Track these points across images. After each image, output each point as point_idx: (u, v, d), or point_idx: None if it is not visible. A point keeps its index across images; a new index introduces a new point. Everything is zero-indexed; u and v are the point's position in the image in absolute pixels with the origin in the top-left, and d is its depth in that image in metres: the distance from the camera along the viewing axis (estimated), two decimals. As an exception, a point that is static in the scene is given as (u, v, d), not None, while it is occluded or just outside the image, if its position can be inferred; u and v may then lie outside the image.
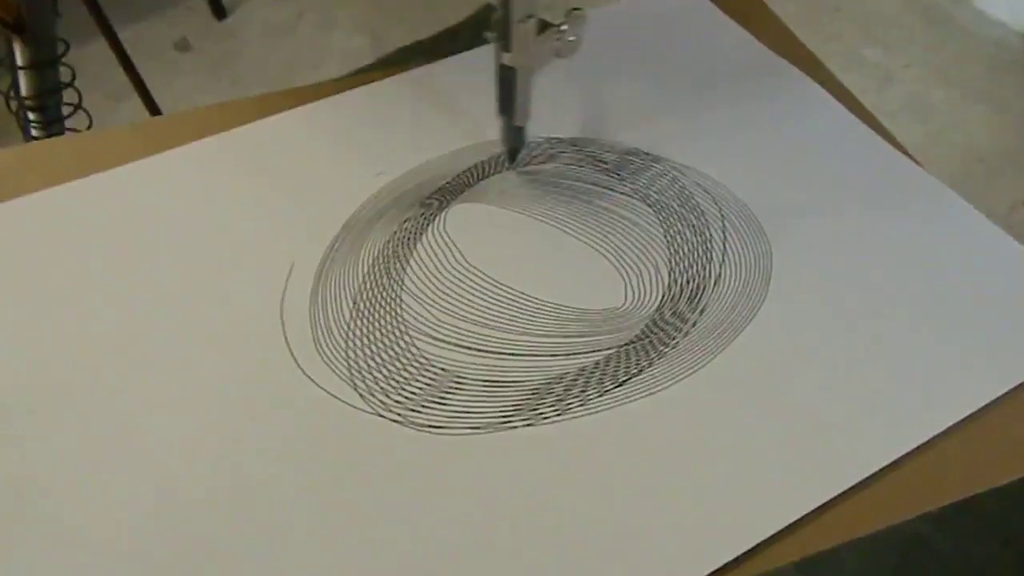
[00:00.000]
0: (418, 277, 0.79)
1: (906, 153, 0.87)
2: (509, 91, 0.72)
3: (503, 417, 0.69)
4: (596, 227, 0.82)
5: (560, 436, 0.68)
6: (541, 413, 0.69)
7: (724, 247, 0.80)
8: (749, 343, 0.73)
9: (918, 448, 0.65)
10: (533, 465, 0.66)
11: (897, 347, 0.71)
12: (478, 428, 0.69)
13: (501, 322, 0.76)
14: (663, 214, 0.83)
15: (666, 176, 0.86)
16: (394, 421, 0.69)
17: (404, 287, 0.78)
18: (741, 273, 0.78)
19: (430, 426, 0.69)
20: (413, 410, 0.70)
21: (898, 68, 2.37)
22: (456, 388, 0.71)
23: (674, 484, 0.64)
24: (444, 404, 0.70)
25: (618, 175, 0.86)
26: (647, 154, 0.87)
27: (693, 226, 0.82)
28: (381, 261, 0.80)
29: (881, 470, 0.64)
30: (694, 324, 0.75)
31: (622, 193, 0.85)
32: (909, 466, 0.64)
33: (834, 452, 0.65)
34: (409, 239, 0.82)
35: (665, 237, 0.81)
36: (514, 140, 0.79)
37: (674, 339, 0.74)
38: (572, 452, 0.67)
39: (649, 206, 0.84)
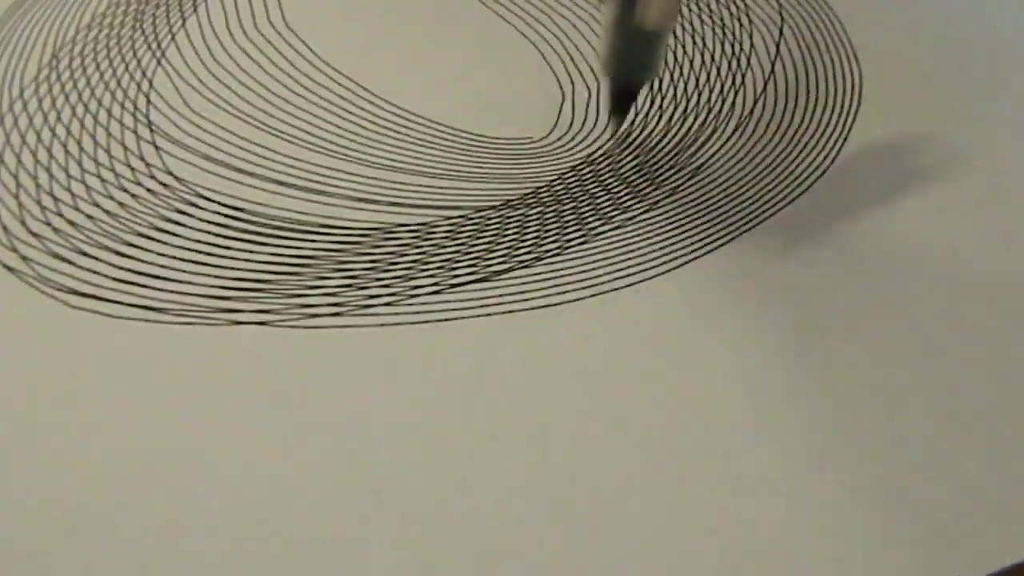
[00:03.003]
0: (198, 35, 0.43)
1: None
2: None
3: (227, 301, 0.33)
4: (533, 3, 0.44)
5: (329, 352, 0.31)
6: (305, 304, 0.33)
7: (772, 66, 0.41)
8: (770, 245, 0.35)
9: None
10: (266, 408, 0.30)
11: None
12: (163, 312, 0.33)
13: (302, 133, 0.39)
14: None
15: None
16: (11, 269, 0.34)
17: (162, 52, 0.42)
18: (792, 116, 0.39)
19: (73, 290, 0.33)
20: (61, 257, 0.34)
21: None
22: (160, 234, 0.35)
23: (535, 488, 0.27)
24: (128, 258, 0.34)
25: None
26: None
27: (720, 24, 0.43)
28: (136, 3, 0.44)
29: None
30: (674, 190, 0.37)
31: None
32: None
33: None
34: (199, -25, 0.45)
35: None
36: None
37: (623, 207, 0.36)
38: (346, 390, 0.30)
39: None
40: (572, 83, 0.41)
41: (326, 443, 0.29)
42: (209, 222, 0.35)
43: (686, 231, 0.35)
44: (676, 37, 0.42)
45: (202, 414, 0.30)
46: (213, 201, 0.36)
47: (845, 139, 0.38)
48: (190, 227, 0.35)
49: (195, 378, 0.31)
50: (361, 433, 0.29)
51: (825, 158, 0.37)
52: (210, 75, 0.41)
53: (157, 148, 0.38)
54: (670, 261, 0.34)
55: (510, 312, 0.33)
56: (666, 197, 0.36)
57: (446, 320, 0.32)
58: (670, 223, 0.35)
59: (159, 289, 0.33)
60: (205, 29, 0.43)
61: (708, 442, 0.29)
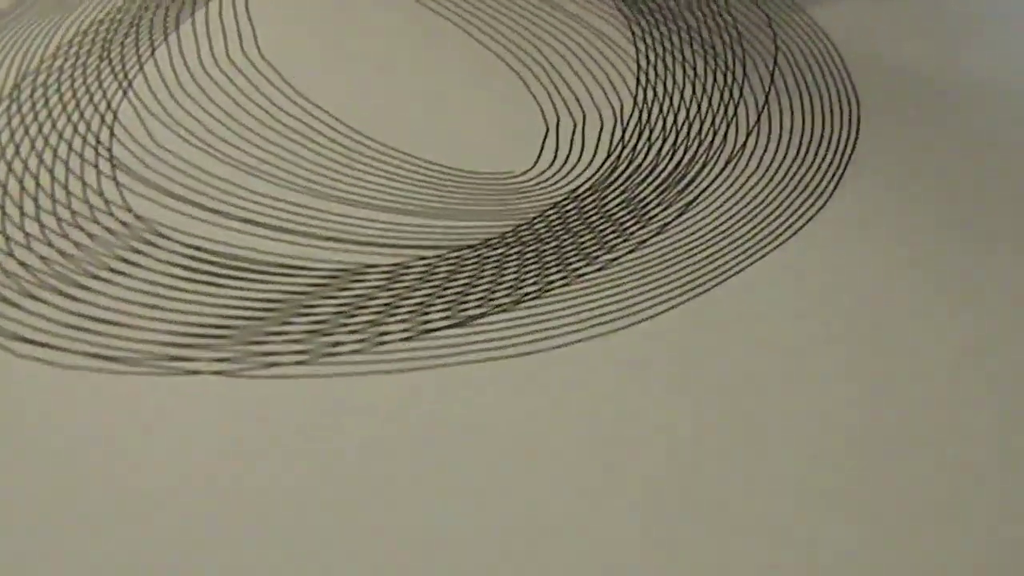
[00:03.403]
0: (163, 68, 0.41)
1: None
2: None
3: (183, 349, 0.31)
4: (516, 28, 0.43)
5: (293, 404, 0.29)
6: (267, 352, 0.31)
7: (767, 97, 0.39)
8: (764, 287, 0.33)
9: None
10: (217, 454, 0.28)
11: None
12: (115, 361, 0.30)
13: (272, 168, 0.37)
14: (654, 26, 0.42)
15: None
16: (-47, 315, 0.32)
17: (129, 83, 0.40)
18: (786, 149, 0.37)
19: (20, 337, 0.31)
20: (8, 300, 0.32)
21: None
22: (113, 274, 0.33)
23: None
24: (80, 301, 0.32)
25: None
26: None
27: (712, 53, 0.41)
28: (104, 32, 0.43)
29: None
30: (662, 228, 0.35)
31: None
32: None
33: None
34: (172, 9, 0.44)
35: (643, 63, 0.41)
36: None
37: (608, 246, 0.34)
38: (310, 445, 0.28)
39: (632, 9, 0.43)
40: (556, 114, 0.39)
41: (288, 502, 0.27)
42: (168, 263, 0.33)
43: (675, 272, 0.33)
44: (666, 66, 0.41)
45: (156, 470, 0.28)
46: (174, 240, 0.34)
47: (842, 174, 0.36)
48: (148, 268, 0.33)
49: (149, 432, 0.29)
50: (326, 490, 0.27)
51: (821, 195, 0.35)
52: (178, 107, 0.39)
53: (118, 184, 0.36)
54: (659, 304, 0.32)
55: (487, 360, 0.30)
56: (654, 236, 0.34)
57: (418, 369, 0.30)
58: (658, 263, 0.33)
59: (113, 336, 0.31)
60: (175, 59, 0.41)
61: (698, 494, 0.27)
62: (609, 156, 0.37)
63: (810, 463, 0.28)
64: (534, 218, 0.35)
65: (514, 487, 0.27)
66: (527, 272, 0.33)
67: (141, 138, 0.38)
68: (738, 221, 0.34)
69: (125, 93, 0.40)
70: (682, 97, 0.39)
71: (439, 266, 0.33)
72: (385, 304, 0.32)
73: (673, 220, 0.35)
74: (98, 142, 0.38)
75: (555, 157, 0.37)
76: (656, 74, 0.40)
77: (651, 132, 0.38)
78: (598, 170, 0.36)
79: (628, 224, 0.35)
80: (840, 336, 0.31)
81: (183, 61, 0.41)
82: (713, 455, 0.28)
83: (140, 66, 0.41)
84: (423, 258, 0.33)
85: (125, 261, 0.33)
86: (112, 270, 0.33)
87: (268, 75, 0.41)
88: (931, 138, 0.37)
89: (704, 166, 0.36)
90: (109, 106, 0.39)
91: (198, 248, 0.34)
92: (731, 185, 0.36)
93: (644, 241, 0.34)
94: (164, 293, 0.32)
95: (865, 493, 0.27)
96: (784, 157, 0.37)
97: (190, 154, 0.37)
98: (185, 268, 0.33)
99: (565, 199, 0.35)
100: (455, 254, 0.33)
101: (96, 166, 0.37)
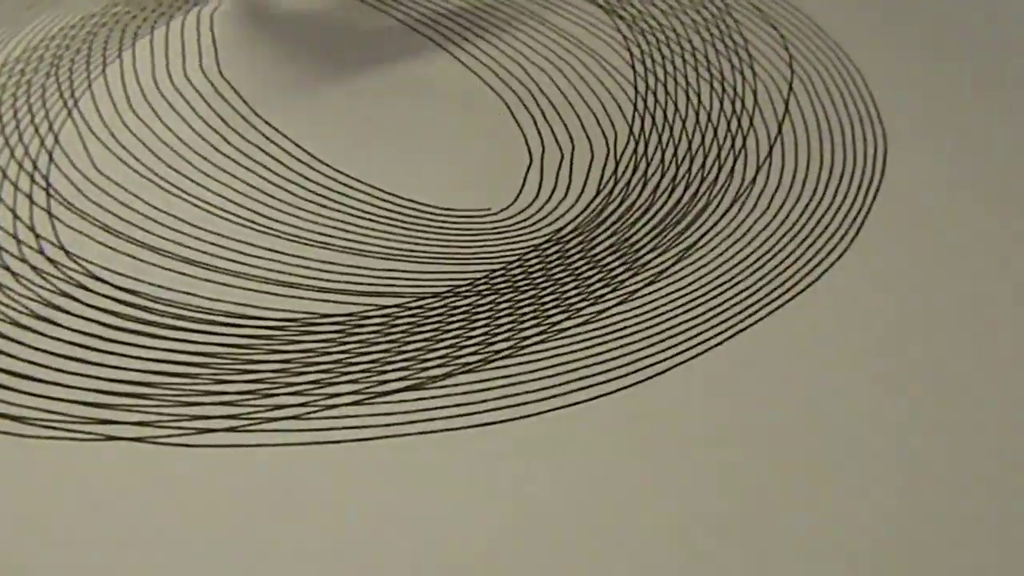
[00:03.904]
0: (118, 82, 0.37)
1: None
2: None
3: (102, 410, 0.27)
4: (500, 46, 0.39)
5: (222, 476, 0.25)
6: (197, 415, 0.27)
7: (780, 127, 0.35)
8: (769, 348, 0.28)
9: None
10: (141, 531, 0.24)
11: None
12: (23, 422, 0.27)
13: (222, 200, 0.33)
14: (655, 47, 0.38)
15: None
16: None
17: (75, 101, 0.37)
18: (801, 188, 0.33)
19: (-80, 394, 0.27)
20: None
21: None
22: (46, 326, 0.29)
23: None
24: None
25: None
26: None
27: (719, 78, 0.37)
28: (55, 48, 0.39)
29: None
30: (657, 276, 0.30)
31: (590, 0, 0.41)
32: None
33: None
34: (130, 26, 0.40)
35: (641, 88, 0.37)
36: None
37: (594, 296, 0.30)
38: (242, 524, 0.24)
39: (632, 28, 0.39)
40: (542, 143, 0.35)
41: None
42: (97, 308, 0.30)
43: (670, 328, 0.29)
44: (668, 92, 0.36)
45: (66, 550, 0.24)
46: (105, 282, 0.30)
47: (866, 217, 0.31)
48: (74, 314, 0.29)
49: (58, 505, 0.25)
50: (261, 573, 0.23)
51: (840, 240, 0.31)
52: (125, 129, 0.36)
53: (51, 216, 0.33)
54: (652, 366, 0.28)
55: (446, 430, 0.26)
56: (647, 285, 0.30)
57: (367, 439, 0.26)
58: (651, 317, 0.29)
59: (24, 392, 0.27)
60: (127, 75, 0.38)
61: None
62: (599, 192, 0.33)
63: (806, 529, 0.23)
64: (511, 262, 0.31)
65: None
66: (499, 326, 0.29)
67: (82, 164, 0.34)
68: (744, 270, 0.30)
69: (70, 113, 0.36)
70: (684, 127, 0.35)
71: (399, 316, 0.29)
72: (335, 362, 0.28)
73: (669, 267, 0.30)
74: (35, 168, 0.34)
75: (538, 192, 0.33)
76: (656, 100, 0.36)
77: (647, 166, 0.34)
78: (586, 208, 0.32)
79: (618, 271, 0.30)
80: (861, 407, 0.26)
81: (136, 78, 0.38)
82: (711, 525, 0.24)
83: (89, 83, 0.37)
84: (382, 307, 0.29)
85: (50, 306, 0.30)
86: (35, 315, 0.29)
87: (228, 97, 0.37)
88: (966, 174, 0.33)
89: (707, 206, 0.32)
90: (51, 127, 0.36)
91: (131, 292, 0.30)
92: (737, 228, 0.31)
93: (635, 291, 0.30)
94: (88, 343, 0.29)
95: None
96: (799, 196, 0.32)
97: (134, 183, 0.34)
98: (114, 315, 0.29)
99: (547, 241, 0.31)
100: (418, 303, 0.29)
101: (30, 196, 0.33)
